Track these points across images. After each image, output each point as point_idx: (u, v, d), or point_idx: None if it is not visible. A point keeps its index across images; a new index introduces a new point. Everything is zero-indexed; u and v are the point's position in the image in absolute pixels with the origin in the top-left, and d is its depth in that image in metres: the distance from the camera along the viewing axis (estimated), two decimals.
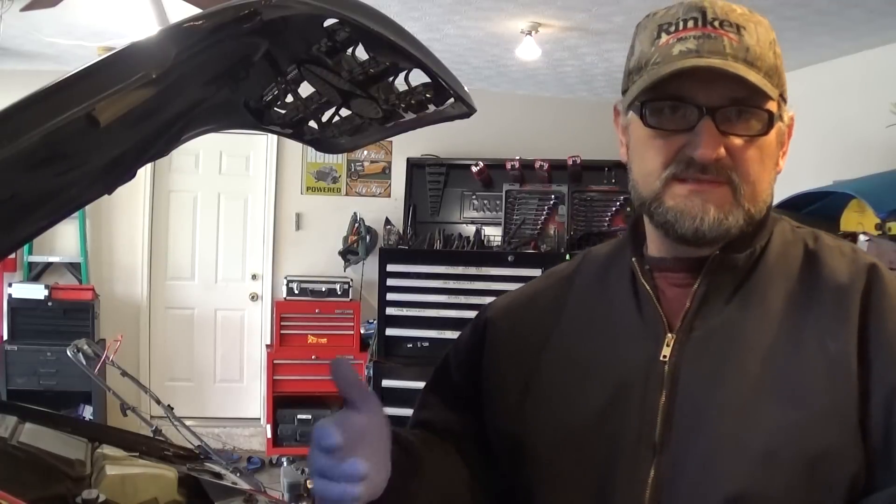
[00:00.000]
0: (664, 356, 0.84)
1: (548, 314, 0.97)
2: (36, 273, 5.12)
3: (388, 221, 5.38)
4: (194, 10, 2.15)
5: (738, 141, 0.81)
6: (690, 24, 0.81)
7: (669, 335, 0.85)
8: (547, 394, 0.91)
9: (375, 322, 4.82)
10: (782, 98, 0.85)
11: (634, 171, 0.88)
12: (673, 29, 0.82)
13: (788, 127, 0.89)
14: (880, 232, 2.67)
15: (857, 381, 0.78)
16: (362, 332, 5.23)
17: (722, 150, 0.80)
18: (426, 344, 4.37)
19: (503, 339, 0.99)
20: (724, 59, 0.79)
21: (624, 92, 0.88)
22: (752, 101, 0.80)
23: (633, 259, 0.91)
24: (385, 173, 5.70)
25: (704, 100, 0.80)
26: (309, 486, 3.30)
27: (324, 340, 5.21)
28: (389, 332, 4.51)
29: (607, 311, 0.92)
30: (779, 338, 0.82)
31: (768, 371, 0.80)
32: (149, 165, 3.96)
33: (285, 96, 1.38)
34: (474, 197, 5.25)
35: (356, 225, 5.40)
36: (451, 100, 1.32)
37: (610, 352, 0.89)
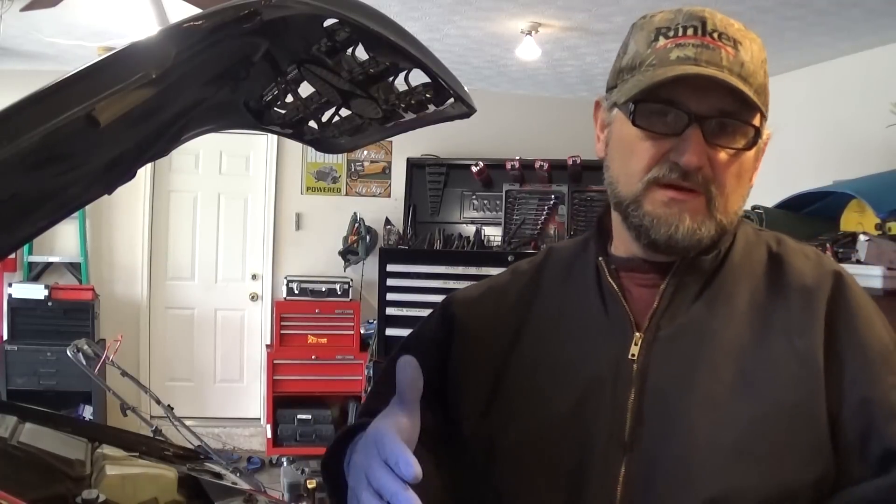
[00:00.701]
0: (632, 355, 0.85)
1: (515, 313, 0.96)
2: (36, 273, 5.13)
3: (388, 221, 5.38)
4: (194, 10, 2.15)
5: (721, 153, 0.83)
6: (690, 31, 0.83)
7: (637, 334, 0.86)
8: (516, 395, 0.91)
9: (375, 322, 4.83)
10: (763, 116, 0.86)
11: (614, 169, 0.89)
12: (672, 34, 0.83)
13: (764, 145, 0.90)
14: (880, 232, 2.67)
15: (823, 378, 0.80)
16: (362, 332, 5.23)
17: (705, 160, 0.82)
18: None
19: (471, 337, 0.98)
20: (720, 71, 0.80)
21: (610, 88, 0.89)
22: (741, 116, 0.82)
23: (600, 258, 0.92)
24: (385, 173, 5.70)
25: (695, 108, 0.81)
26: (309, 486, 3.30)
27: (324, 340, 5.21)
28: (389, 332, 4.51)
29: (573, 311, 0.93)
30: (746, 335, 0.84)
31: (736, 368, 0.82)
32: (149, 165, 3.97)
33: (285, 96, 1.38)
34: (474, 197, 5.26)
35: (356, 225, 5.40)
36: (451, 100, 1.32)
37: (578, 351, 0.89)
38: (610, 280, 0.90)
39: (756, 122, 0.83)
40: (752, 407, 0.79)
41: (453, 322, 1.00)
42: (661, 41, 0.83)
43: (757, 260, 0.90)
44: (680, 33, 0.83)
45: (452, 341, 0.99)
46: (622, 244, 0.92)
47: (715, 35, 0.82)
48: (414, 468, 0.69)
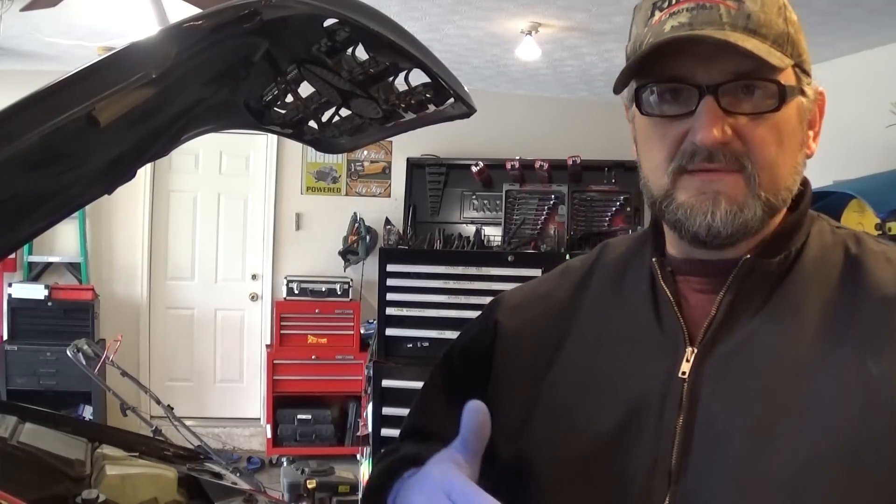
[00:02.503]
0: (683, 373, 0.75)
1: (561, 319, 0.87)
2: (36, 273, 5.13)
3: (388, 221, 5.38)
4: (194, 10, 2.15)
5: (746, 121, 0.72)
6: None
7: (690, 349, 0.76)
8: (554, 412, 0.82)
9: (375, 322, 4.82)
10: (802, 70, 0.76)
11: (643, 167, 0.80)
12: (666, 4, 0.74)
13: (818, 104, 0.80)
14: (880, 232, 2.67)
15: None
16: (362, 332, 5.23)
17: (728, 132, 0.71)
18: (426, 344, 4.36)
19: (511, 347, 0.89)
20: (720, 30, 0.70)
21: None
22: (760, 74, 0.71)
23: (654, 259, 0.81)
24: (385, 173, 5.70)
25: (704, 78, 0.71)
26: (309, 486, 3.30)
27: (324, 340, 5.21)
28: (389, 332, 4.51)
29: (623, 320, 0.83)
30: (813, 356, 0.72)
31: (799, 394, 0.71)
32: (149, 165, 3.96)
33: (285, 96, 1.38)
34: (474, 197, 5.25)
35: (356, 225, 5.40)
36: (451, 100, 1.32)
37: (624, 367, 0.79)
38: (663, 285, 0.79)
39: (783, 77, 0.72)
40: (812, 441, 0.69)
41: (497, 327, 0.91)
42: (657, 15, 0.74)
43: (832, 265, 0.77)
44: (674, 1, 0.73)
45: (495, 348, 0.90)
46: (673, 245, 0.82)
47: None
48: None
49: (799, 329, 0.74)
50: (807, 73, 0.77)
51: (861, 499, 0.67)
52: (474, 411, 0.70)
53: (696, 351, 0.76)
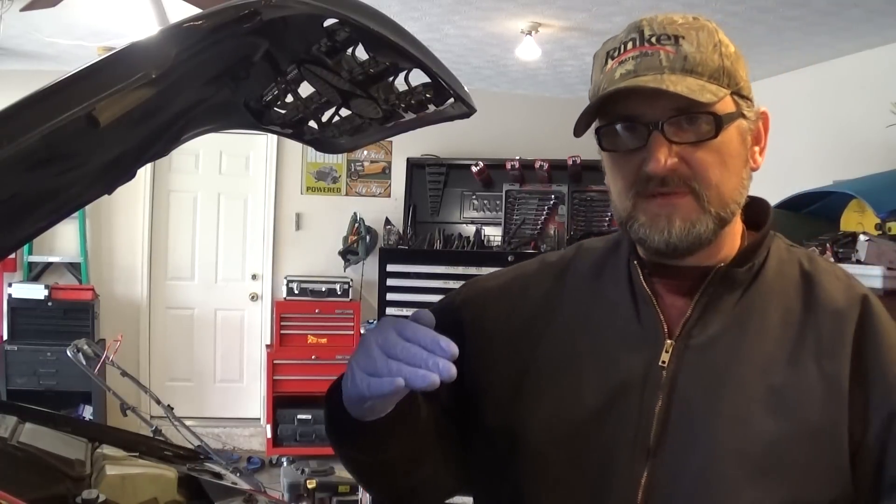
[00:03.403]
0: (663, 361, 0.86)
1: (541, 308, 0.96)
2: (36, 273, 5.13)
3: (388, 221, 5.38)
4: (194, 10, 2.15)
5: (690, 148, 0.83)
6: (630, 45, 0.84)
7: (669, 341, 0.86)
8: (542, 392, 0.91)
9: (375, 322, 4.83)
10: (741, 96, 0.86)
11: (611, 193, 0.91)
12: (616, 53, 0.85)
13: (762, 122, 0.90)
14: (880, 232, 2.67)
15: (847, 404, 0.81)
16: (362, 332, 5.22)
17: (674, 160, 0.82)
18: None
19: (489, 327, 0.97)
20: (659, 74, 0.81)
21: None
22: (695, 108, 0.81)
23: (635, 262, 0.91)
24: (385, 173, 5.70)
25: (651, 116, 0.82)
26: (309, 486, 3.30)
27: (324, 340, 5.21)
28: None
29: (602, 313, 0.92)
30: (777, 354, 0.84)
31: (765, 385, 0.82)
32: (149, 165, 3.96)
33: (285, 96, 1.38)
34: (474, 197, 5.26)
35: (356, 225, 5.40)
36: (451, 100, 1.32)
37: (607, 354, 0.89)
38: (644, 284, 0.90)
39: (720, 106, 0.83)
40: (778, 425, 0.80)
41: (461, 313, 1.00)
42: (609, 63, 0.86)
43: (789, 277, 0.90)
44: (622, 50, 0.85)
45: (464, 330, 0.96)
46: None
47: (653, 40, 0.83)
48: (454, 346, 0.73)
49: (764, 330, 0.86)
50: (746, 98, 0.87)
51: (821, 473, 0.80)
52: (416, 316, 0.79)
53: (674, 344, 0.86)
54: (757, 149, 0.90)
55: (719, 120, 0.82)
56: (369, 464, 0.90)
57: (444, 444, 0.95)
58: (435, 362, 0.72)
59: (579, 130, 0.86)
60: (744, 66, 0.87)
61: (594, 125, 0.87)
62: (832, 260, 2.56)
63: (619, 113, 0.84)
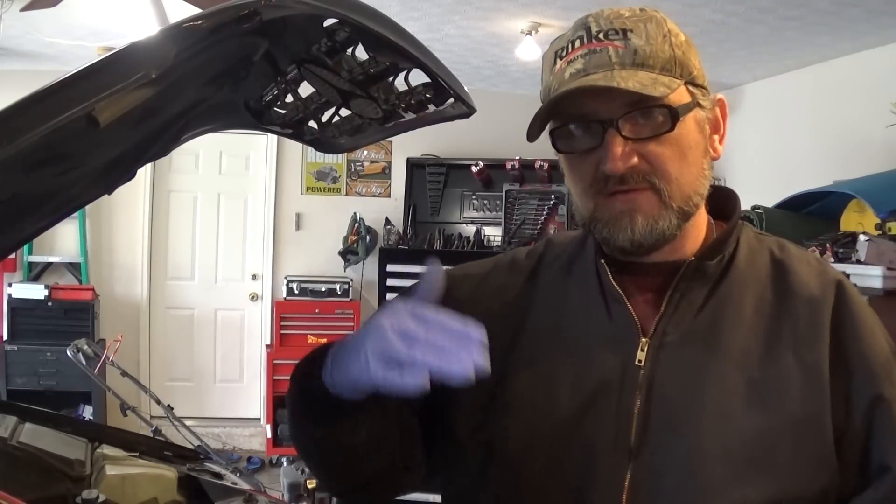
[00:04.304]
0: (639, 360, 0.84)
1: (513, 311, 0.93)
2: (36, 273, 5.13)
3: (388, 221, 5.38)
4: (194, 10, 2.15)
5: (649, 144, 0.81)
6: (577, 43, 0.82)
7: (644, 339, 0.84)
8: (517, 398, 0.88)
9: None
10: (695, 85, 0.84)
11: (572, 194, 0.89)
12: (564, 53, 0.83)
13: (720, 109, 0.88)
14: (880, 232, 2.67)
15: (829, 392, 0.80)
16: None
17: (633, 157, 0.80)
18: None
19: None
20: (609, 71, 0.79)
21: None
22: (648, 102, 0.79)
23: (602, 261, 0.89)
24: (385, 173, 5.70)
25: (605, 113, 0.80)
26: (309, 486, 3.30)
27: (324, 340, 5.11)
28: None
29: (576, 314, 0.90)
30: (754, 345, 0.83)
31: (745, 378, 0.81)
32: (149, 165, 3.96)
33: (285, 96, 1.38)
34: (474, 197, 5.26)
35: (356, 225, 5.40)
36: (451, 100, 1.32)
37: (581, 356, 0.87)
38: (613, 283, 0.87)
39: (674, 97, 0.80)
40: (761, 418, 0.79)
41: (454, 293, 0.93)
42: (559, 63, 0.83)
43: (761, 266, 0.88)
44: (570, 49, 0.83)
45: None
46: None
47: (601, 36, 0.81)
48: (483, 332, 0.70)
49: (739, 322, 0.84)
50: (701, 87, 0.84)
51: (807, 465, 0.78)
52: (433, 272, 0.78)
53: (649, 342, 0.84)
54: (716, 137, 0.88)
55: (675, 112, 0.80)
56: (335, 446, 0.86)
57: (403, 437, 0.91)
58: (469, 353, 0.68)
59: (532, 135, 0.84)
60: (696, 55, 0.85)
61: (548, 127, 0.85)
62: (832, 260, 2.56)
63: (572, 113, 0.82)
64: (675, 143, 0.81)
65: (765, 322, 0.84)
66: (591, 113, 0.81)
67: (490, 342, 0.84)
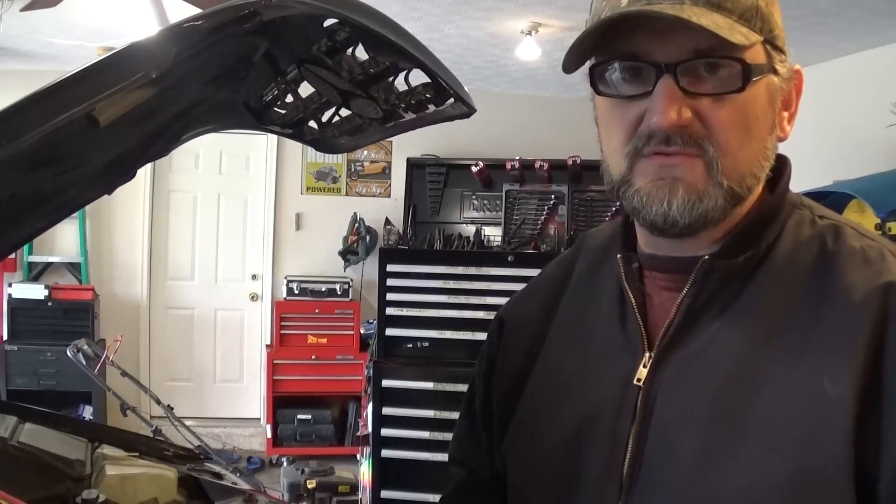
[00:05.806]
0: (638, 379, 0.71)
1: (541, 317, 0.85)
2: (36, 273, 5.12)
3: (388, 221, 5.38)
4: (194, 10, 2.15)
5: (708, 102, 0.66)
6: None
7: (647, 354, 0.72)
8: (526, 415, 0.80)
9: (375, 322, 4.82)
10: (774, 46, 0.70)
11: (603, 150, 0.74)
12: None
13: (795, 83, 0.73)
14: (880, 232, 2.67)
15: (855, 432, 0.62)
16: (362, 332, 5.22)
17: (688, 114, 0.65)
18: (426, 344, 4.36)
19: (512, 338, 0.88)
20: (679, 4, 0.64)
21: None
22: (721, 51, 0.65)
23: (619, 256, 0.77)
24: (385, 173, 5.70)
25: (662, 56, 0.66)
26: (309, 486, 3.30)
27: (324, 340, 5.21)
28: (389, 332, 4.50)
29: (594, 318, 0.79)
30: (770, 368, 0.67)
31: (750, 411, 0.66)
32: (149, 165, 3.96)
33: (285, 96, 1.38)
34: (474, 197, 5.25)
35: (356, 225, 5.40)
36: (451, 100, 1.32)
37: (588, 369, 0.76)
38: (626, 284, 0.75)
39: (749, 54, 0.66)
40: (759, 463, 0.64)
41: (502, 326, 0.89)
42: None
43: (805, 263, 0.70)
44: None
45: (500, 348, 0.88)
46: (643, 238, 0.76)
47: None
48: None
49: (758, 339, 0.68)
50: (780, 50, 0.71)
51: None
52: None
53: (652, 357, 0.71)
54: (786, 115, 0.73)
55: (748, 69, 0.66)
56: None
57: None
58: None
59: (570, 66, 0.71)
60: (779, 11, 0.72)
61: (588, 63, 0.71)
62: None
63: (623, 49, 0.67)
64: (741, 108, 0.67)
65: (790, 339, 0.67)
66: (646, 53, 0.66)
67: (518, 352, 0.84)
